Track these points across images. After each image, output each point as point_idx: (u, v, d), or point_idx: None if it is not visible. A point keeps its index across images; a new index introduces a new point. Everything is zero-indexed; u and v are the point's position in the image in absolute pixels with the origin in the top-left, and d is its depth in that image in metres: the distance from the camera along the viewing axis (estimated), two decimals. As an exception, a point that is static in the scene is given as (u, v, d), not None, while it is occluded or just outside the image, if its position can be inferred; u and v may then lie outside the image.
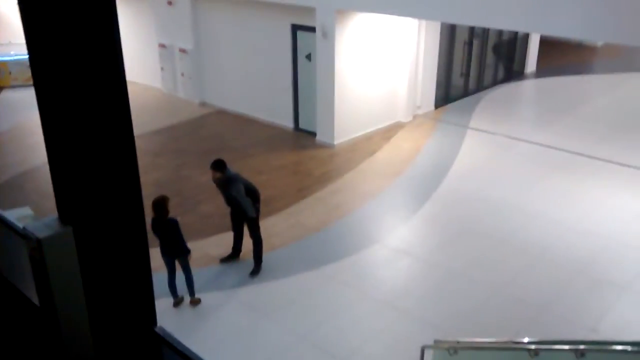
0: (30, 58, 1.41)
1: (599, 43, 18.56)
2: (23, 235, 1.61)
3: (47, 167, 1.39)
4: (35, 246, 1.53)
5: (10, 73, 14.42)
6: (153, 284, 1.79)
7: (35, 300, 1.73)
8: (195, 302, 6.46)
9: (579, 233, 7.82)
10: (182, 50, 13.10)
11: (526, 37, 15.39)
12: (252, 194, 6.78)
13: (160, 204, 6.05)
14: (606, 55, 18.06)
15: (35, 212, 7.33)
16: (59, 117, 1.44)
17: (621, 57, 17.74)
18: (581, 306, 6.40)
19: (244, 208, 6.65)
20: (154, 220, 6.13)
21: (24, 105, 12.45)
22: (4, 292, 2.01)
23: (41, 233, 1.56)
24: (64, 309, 1.65)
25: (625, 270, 7.01)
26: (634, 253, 7.35)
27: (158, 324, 1.75)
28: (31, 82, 1.49)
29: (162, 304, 6.26)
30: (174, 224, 6.14)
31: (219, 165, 6.64)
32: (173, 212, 6.38)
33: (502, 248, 7.53)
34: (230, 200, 6.77)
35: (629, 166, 9.85)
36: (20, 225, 1.63)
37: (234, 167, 7.01)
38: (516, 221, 8.18)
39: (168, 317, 6.21)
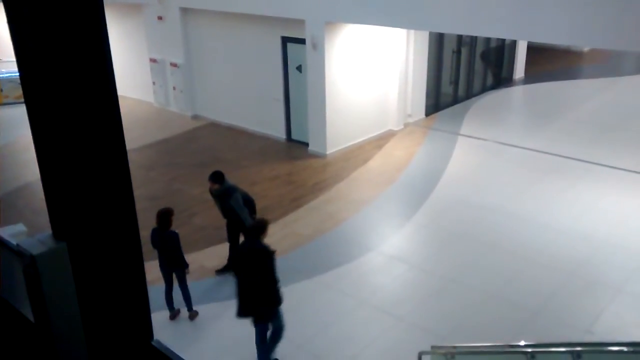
0: (21, 75, 1.43)
1: (586, 49, 18.79)
2: (17, 252, 1.61)
3: (40, 183, 1.40)
4: (29, 263, 1.53)
5: (1, 91, 14.41)
6: (149, 297, 1.80)
7: (30, 317, 1.73)
8: (193, 315, 6.44)
9: (571, 236, 7.87)
10: (174, 65, 13.13)
11: (514, 44, 15.55)
12: (249, 204, 6.85)
13: (165, 216, 6.12)
14: (592, 61, 18.28)
15: (29, 229, 7.28)
16: (51, 133, 1.45)
17: (607, 62, 17.96)
18: (576, 308, 6.44)
19: (242, 218, 6.69)
20: (154, 231, 6.15)
21: (16, 123, 12.41)
22: (-1, 309, 2.01)
23: (35, 249, 1.56)
24: (59, 325, 1.65)
25: (618, 271, 7.06)
26: (626, 254, 7.40)
27: (155, 337, 1.75)
28: (22, 99, 1.51)
29: (159, 317, 6.25)
30: (174, 236, 6.17)
31: (217, 177, 6.71)
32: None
33: (496, 253, 7.56)
34: (227, 211, 6.80)
35: (618, 168, 9.95)
36: (14, 242, 1.63)
37: (227, 178, 7.03)
38: (509, 226, 8.23)
39: (165, 330, 6.20)
